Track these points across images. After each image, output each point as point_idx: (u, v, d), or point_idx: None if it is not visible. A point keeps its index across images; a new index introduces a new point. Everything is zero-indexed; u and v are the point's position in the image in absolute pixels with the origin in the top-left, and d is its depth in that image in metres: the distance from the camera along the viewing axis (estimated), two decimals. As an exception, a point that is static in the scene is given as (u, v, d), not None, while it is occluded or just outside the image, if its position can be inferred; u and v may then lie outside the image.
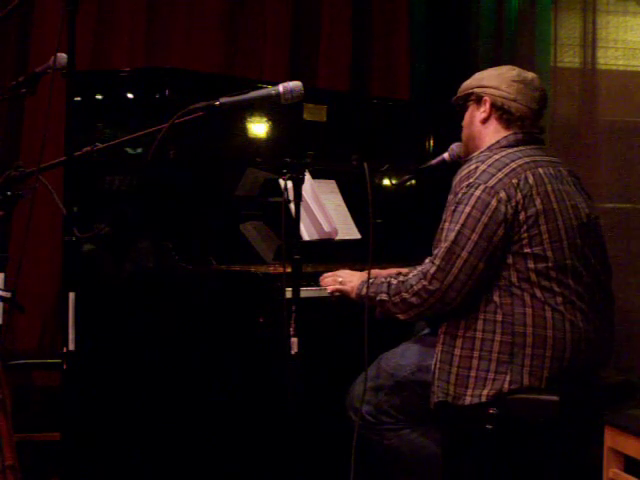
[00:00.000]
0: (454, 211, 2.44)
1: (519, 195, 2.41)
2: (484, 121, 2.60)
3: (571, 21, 3.54)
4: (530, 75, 2.61)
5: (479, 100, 2.61)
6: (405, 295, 2.46)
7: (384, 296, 2.51)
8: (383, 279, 2.54)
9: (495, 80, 2.60)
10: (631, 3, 3.38)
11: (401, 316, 2.52)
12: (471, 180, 2.44)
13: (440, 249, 2.42)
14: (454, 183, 2.51)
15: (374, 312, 2.55)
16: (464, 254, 2.40)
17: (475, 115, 2.63)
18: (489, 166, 2.46)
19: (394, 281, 2.51)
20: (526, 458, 2.61)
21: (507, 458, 2.61)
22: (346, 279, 2.67)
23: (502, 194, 2.41)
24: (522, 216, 2.41)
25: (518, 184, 2.42)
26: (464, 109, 2.68)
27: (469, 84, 2.66)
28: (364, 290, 2.57)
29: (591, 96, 3.42)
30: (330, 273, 2.75)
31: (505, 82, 2.58)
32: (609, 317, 2.60)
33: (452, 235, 2.41)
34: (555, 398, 2.40)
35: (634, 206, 3.29)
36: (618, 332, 2.69)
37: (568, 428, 2.51)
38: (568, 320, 2.43)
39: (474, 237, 2.40)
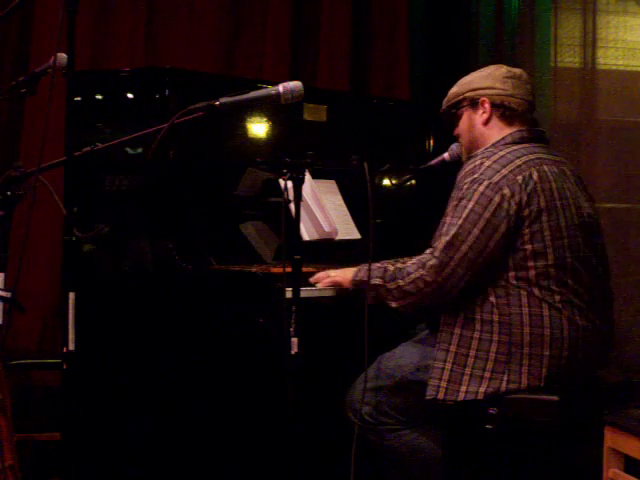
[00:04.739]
0: (457, 206, 2.45)
1: (523, 192, 2.42)
2: (486, 122, 2.60)
3: (571, 21, 3.54)
4: (518, 70, 2.63)
5: (474, 104, 2.61)
6: (401, 282, 2.46)
7: (378, 280, 2.50)
8: (379, 264, 2.54)
9: (487, 80, 2.60)
10: (631, 3, 3.38)
11: (393, 304, 2.50)
12: (475, 176, 2.45)
13: (440, 242, 2.43)
14: (458, 178, 2.51)
15: (367, 297, 2.49)
16: (464, 248, 2.40)
17: (474, 118, 2.62)
18: (494, 162, 2.46)
19: (391, 267, 2.51)
20: (526, 458, 2.61)
21: (507, 458, 2.61)
22: (339, 273, 2.66)
23: (506, 190, 2.41)
24: (525, 212, 2.41)
25: (523, 180, 2.43)
26: (455, 118, 2.68)
27: (457, 91, 2.65)
28: (360, 274, 2.56)
29: (591, 96, 3.42)
30: (321, 272, 2.71)
31: (498, 80, 2.58)
32: (608, 316, 2.60)
33: (454, 229, 2.42)
34: (555, 398, 2.41)
35: (634, 206, 3.29)
36: (616, 332, 2.69)
37: (568, 428, 2.51)
38: (566, 318, 2.43)
39: (475, 232, 2.40)
